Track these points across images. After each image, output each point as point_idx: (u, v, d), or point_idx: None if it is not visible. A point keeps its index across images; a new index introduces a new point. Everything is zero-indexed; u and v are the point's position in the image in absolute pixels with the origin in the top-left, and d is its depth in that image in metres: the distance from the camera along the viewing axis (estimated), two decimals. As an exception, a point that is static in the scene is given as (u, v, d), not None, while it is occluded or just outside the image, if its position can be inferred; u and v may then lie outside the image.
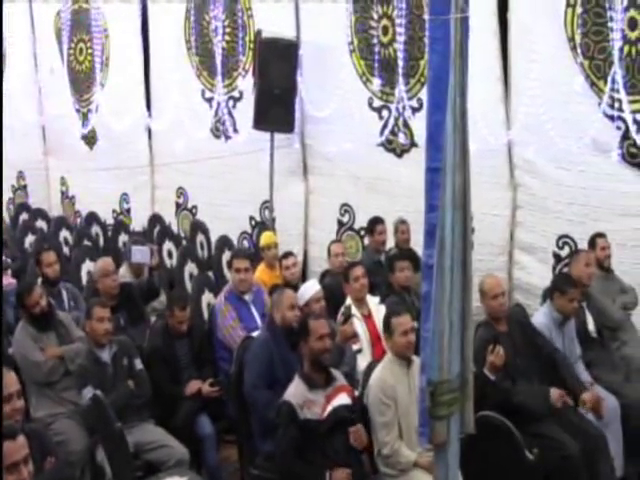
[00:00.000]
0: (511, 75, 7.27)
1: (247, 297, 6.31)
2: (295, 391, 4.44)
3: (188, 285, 7.97)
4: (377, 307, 5.93)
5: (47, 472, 4.06)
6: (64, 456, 4.70)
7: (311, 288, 5.92)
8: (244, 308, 6.23)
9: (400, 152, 8.19)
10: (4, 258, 8.38)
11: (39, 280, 6.63)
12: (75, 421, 5.26)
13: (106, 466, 4.79)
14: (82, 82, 10.97)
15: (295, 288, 6.72)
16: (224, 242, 8.74)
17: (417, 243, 6.95)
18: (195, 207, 10.16)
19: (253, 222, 9.45)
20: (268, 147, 8.72)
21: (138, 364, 5.37)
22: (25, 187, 12.04)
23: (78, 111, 11.08)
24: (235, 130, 9.44)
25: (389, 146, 8.25)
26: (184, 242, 9.46)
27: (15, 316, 6.91)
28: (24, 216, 10.78)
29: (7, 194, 11.91)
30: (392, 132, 8.19)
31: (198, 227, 9.48)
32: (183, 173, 10.02)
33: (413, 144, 8.05)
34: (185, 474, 4.68)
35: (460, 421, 2.82)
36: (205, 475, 5.03)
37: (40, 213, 10.75)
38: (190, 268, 8.29)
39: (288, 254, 7.22)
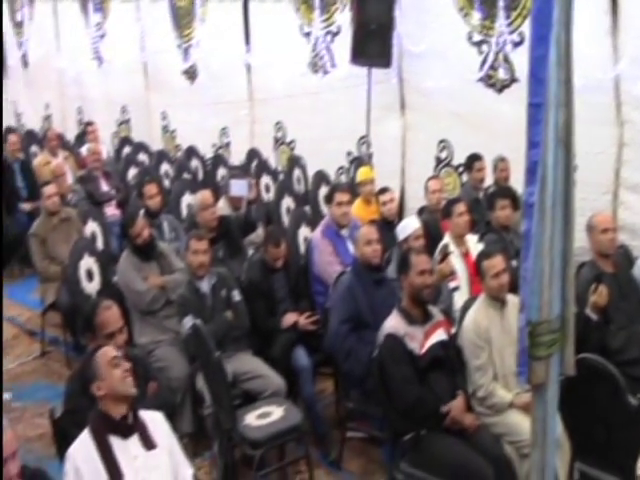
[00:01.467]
0: (620, 6, 6.95)
1: (344, 232, 6.33)
2: (395, 324, 4.41)
3: (285, 219, 8.06)
4: (475, 245, 5.87)
5: (150, 396, 4.23)
6: (166, 382, 4.88)
7: (411, 225, 5.88)
8: (341, 243, 6.26)
9: (500, 87, 7.99)
10: (109, 189, 8.65)
11: (141, 211, 6.81)
12: (176, 349, 5.42)
13: (206, 393, 4.94)
14: (183, 18, 11.05)
15: (391, 224, 6.74)
16: (321, 177, 8.77)
17: (516, 181, 6.82)
18: (293, 142, 10.20)
19: (350, 157, 9.42)
20: (366, 82, 8.65)
21: (236, 295, 5.46)
22: (128, 121, 12.32)
23: (179, 47, 11.18)
24: (333, 65, 9.37)
25: (489, 81, 8.06)
26: (281, 176, 9.53)
27: (119, 246, 7.17)
28: (127, 149, 11.04)
29: (111, 128, 12.21)
30: (492, 67, 7.99)
31: (296, 161, 9.53)
32: (281, 108, 10.03)
33: (514, 79, 7.84)
34: (282, 404, 4.81)
35: (560, 362, 2.79)
36: (301, 406, 5.12)
37: (142, 147, 10.98)
38: (287, 202, 8.36)
39: (385, 190, 7.19)
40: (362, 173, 7.65)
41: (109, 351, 3.50)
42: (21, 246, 8.08)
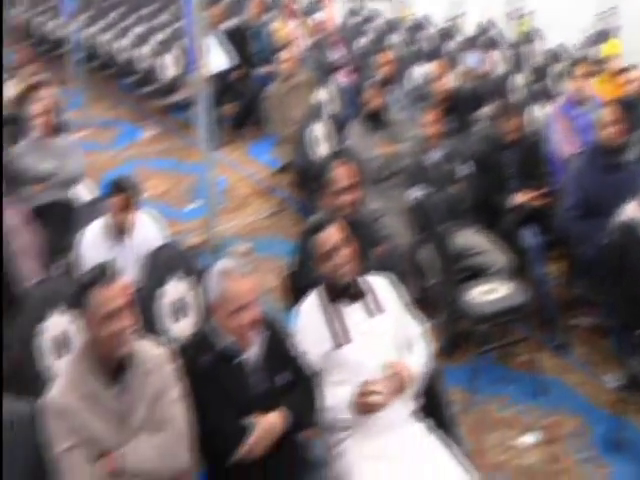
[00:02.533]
0: None
1: (582, 109, 6.02)
2: (632, 212, 4.20)
3: (517, 94, 7.76)
4: None
5: (375, 259, 4.28)
6: (392, 249, 4.94)
7: None
8: (579, 121, 5.97)
9: None
10: (341, 56, 8.69)
11: (373, 79, 6.79)
12: (402, 218, 5.43)
13: (430, 265, 4.96)
14: None
15: (635, 104, 6.33)
16: (558, 51, 8.36)
17: None
18: (530, 13, 9.71)
19: (594, 30, 8.84)
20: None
21: (464, 169, 5.38)
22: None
23: None
24: None
25: None
26: (515, 49, 9.14)
27: (350, 113, 7.25)
28: (359, 17, 10.96)
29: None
30: None
31: (532, 34, 9.13)
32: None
33: None
34: (507, 282, 4.73)
35: None
36: (527, 286, 5.01)
37: (375, 14, 10.86)
38: (521, 77, 8.03)
39: (630, 67, 6.71)
40: (607, 48, 7.19)
41: (325, 241, 3.40)
42: (258, 108, 8.39)
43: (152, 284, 4.03)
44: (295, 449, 3.15)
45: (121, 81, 10.72)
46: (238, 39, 9.36)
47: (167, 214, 7.01)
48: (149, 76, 9.83)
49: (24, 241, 4.55)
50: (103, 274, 2.82)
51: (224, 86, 8.77)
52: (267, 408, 3.04)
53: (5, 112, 7.34)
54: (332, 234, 3.42)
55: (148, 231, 4.55)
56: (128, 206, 4.43)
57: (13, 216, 4.59)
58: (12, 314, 3.83)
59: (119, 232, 4.46)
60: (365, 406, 3.16)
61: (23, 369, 3.74)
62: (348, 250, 3.41)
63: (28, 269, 4.43)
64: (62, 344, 3.79)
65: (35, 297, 3.82)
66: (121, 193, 4.43)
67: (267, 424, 3.00)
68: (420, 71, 7.88)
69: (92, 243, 4.46)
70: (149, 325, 3.86)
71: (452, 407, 3.60)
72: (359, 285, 3.44)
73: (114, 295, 2.79)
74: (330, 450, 3.29)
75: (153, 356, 2.94)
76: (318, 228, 3.45)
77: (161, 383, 2.90)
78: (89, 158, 7.56)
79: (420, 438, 3.29)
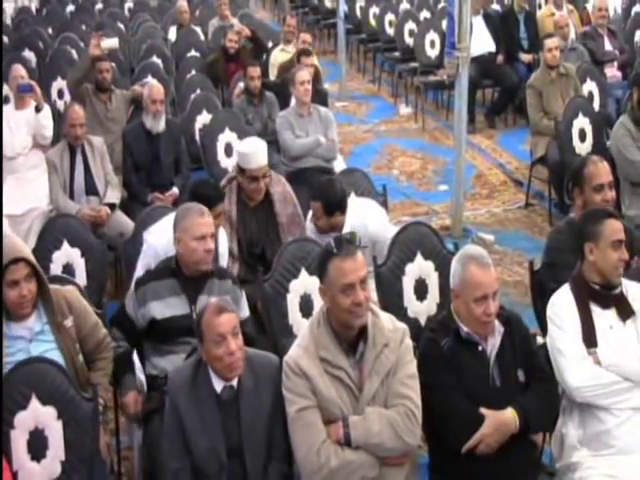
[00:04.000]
0: None
1: None
2: None
3: None
4: None
5: (634, 269, 4.00)
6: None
7: None
8: None
9: None
10: (612, 49, 8.23)
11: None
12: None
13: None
14: None
15: None
16: None
17: None
18: None
19: None
20: None
21: None
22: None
23: None
24: None
25: None
26: None
27: (616, 110, 6.87)
28: (638, 7, 10.24)
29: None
30: None
31: None
32: None
33: None
34: None
35: None
36: None
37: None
38: None
39: None
40: None
41: (618, 230, 3.27)
42: (516, 96, 8.16)
43: (397, 260, 4.04)
44: (527, 451, 3.06)
45: (381, 56, 10.82)
46: (504, 23, 9.14)
47: (413, 194, 7.09)
48: (410, 54, 9.84)
49: (290, 211, 4.66)
50: (344, 246, 2.85)
51: (484, 70, 8.61)
52: (502, 403, 2.98)
53: (270, 78, 7.66)
54: (621, 227, 3.29)
55: (363, 220, 4.31)
56: (326, 213, 4.25)
57: (283, 185, 4.75)
58: (269, 270, 4.02)
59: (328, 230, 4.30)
60: None
61: (271, 321, 3.91)
62: (626, 253, 3.27)
63: (290, 235, 4.55)
64: (307, 304, 3.91)
65: (288, 255, 3.99)
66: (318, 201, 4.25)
67: (500, 420, 2.94)
68: None
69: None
70: (390, 300, 3.90)
71: None
72: (621, 293, 3.26)
73: (353, 268, 2.82)
74: (562, 459, 3.16)
75: (391, 331, 2.93)
76: (605, 215, 3.33)
77: (397, 359, 2.90)
78: (342, 130, 7.75)
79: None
